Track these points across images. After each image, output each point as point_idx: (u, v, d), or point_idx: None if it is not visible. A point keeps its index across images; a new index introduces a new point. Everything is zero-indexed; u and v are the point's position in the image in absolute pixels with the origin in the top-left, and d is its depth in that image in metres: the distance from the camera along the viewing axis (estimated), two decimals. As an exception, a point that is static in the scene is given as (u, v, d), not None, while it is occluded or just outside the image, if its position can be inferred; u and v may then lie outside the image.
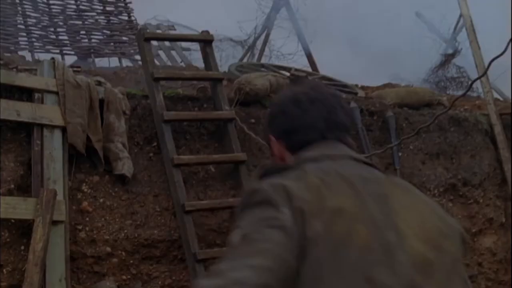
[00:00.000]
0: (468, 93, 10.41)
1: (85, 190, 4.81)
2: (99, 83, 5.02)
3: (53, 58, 4.93)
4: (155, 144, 5.21)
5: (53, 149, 4.58)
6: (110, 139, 4.87)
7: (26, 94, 4.70)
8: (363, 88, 8.18)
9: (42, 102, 4.68)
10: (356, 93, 7.22)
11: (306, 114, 1.80)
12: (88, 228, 4.71)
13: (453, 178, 6.53)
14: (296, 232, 1.51)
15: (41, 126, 4.58)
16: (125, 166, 4.86)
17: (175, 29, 9.95)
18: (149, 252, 4.87)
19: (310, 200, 1.56)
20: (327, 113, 1.80)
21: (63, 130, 4.66)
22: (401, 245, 1.57)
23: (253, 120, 5.73)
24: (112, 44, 9.19)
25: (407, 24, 12.31)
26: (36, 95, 4.67)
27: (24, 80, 4.67)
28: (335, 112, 1.81)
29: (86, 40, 9.12)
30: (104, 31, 9.33)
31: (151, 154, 5.20)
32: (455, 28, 11.36)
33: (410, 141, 6.63)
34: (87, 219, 4.73)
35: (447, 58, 10.50)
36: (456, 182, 6.56)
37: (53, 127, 4.62)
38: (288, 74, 6.71)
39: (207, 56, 5.62)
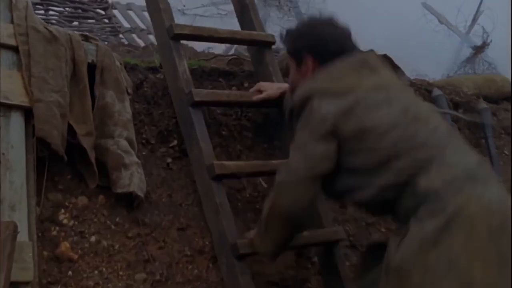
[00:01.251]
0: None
1: (65, 221, 2.73)
2: (86, 39, 2.96)
3: (8, -8, 2.86)
4: (175, 142, 3.20)
5: (9, 148, 2.51)
6: (108, 131, 2.83)
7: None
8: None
9: (-11, 64, 2.62)
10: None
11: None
12: (71, 289, 2.63)
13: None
14: None
15: (-12, 105, 2.52)
16: (134, 179, 2.81)
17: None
18: (175, 327, 2.82)
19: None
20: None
21: (27, 113, 2.61)
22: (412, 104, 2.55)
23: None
24: (76, 21, 7.46)
25: (414, 16, 11.05)
26: (-21, 51, 2.63)
27: (-45, 24, 2.60)
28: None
29: (42, 12, 7.38)
30: (66, 2, 7.66)
31: (170, 160, 3.17)
32: (474, 16, 9.87)
33: (503, 143, 4.96)
34: (70, 273, 2.64)
35: (477, 51, 8.85)
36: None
37: (9, 107, 2.56)
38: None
39: (245, 10, 3.62)
